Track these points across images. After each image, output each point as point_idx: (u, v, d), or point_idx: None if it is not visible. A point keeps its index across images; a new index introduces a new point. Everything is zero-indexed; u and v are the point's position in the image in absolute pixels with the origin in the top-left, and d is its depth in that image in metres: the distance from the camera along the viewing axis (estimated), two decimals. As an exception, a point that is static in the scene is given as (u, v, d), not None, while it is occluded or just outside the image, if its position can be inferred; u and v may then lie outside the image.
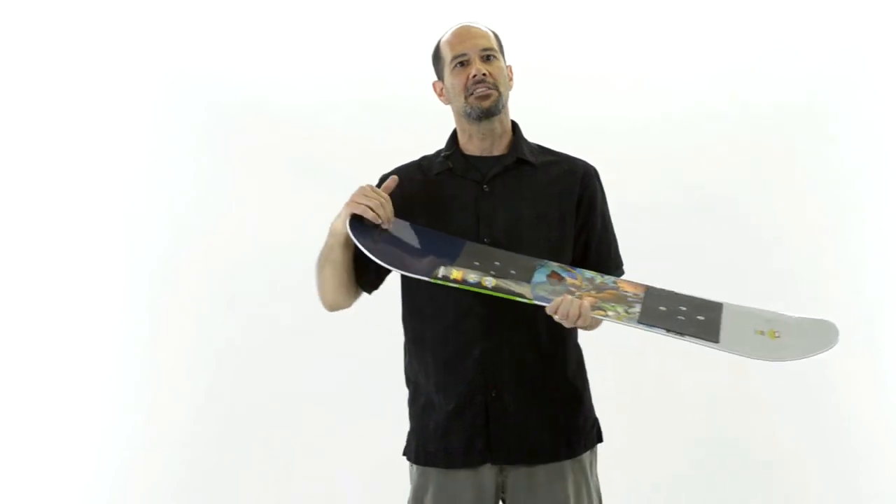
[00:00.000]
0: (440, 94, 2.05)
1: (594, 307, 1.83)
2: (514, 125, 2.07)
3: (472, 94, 1.95)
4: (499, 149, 2.03)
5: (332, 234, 1.98)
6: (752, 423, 3.41)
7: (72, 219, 3.46)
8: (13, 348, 3.43)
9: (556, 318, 1.81)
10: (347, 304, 2.09)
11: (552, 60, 3.37)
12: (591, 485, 2.05)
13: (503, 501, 2.01)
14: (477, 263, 1.91)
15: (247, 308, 3.45)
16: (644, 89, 3.46)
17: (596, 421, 2.09)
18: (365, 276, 2.04)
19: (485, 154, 2.03)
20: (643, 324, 1.82)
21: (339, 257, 1.98)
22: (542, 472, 1.97)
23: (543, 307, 1.84)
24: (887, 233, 3.42)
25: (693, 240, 3.44)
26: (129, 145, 3.49)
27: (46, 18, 3.44)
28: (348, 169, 3.31)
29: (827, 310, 3.34)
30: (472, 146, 2.04)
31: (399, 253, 1.95)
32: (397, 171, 2.06)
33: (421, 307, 2.01)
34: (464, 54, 1.96)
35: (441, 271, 1.89)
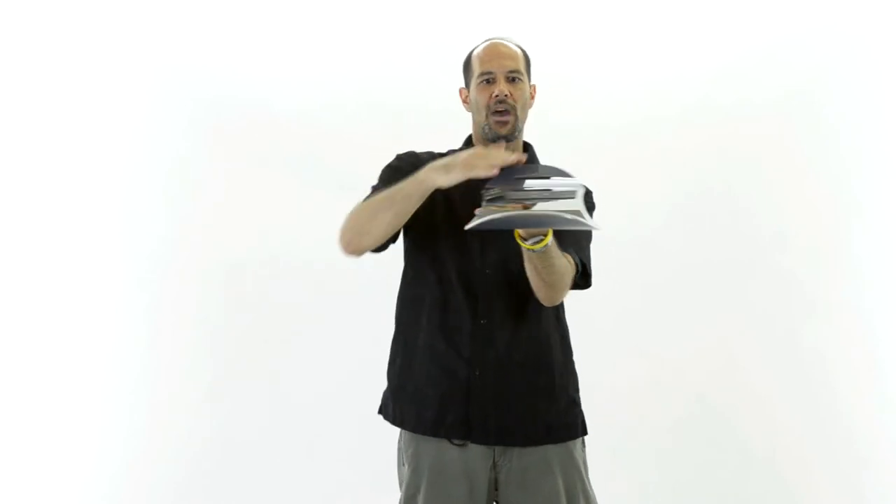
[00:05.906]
0: (464, 101, 2.10)
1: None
2: (528, 145, 2.11)
3: (493, 111, 2.00)
4: None
5: (423, 180, 1.87)
6: (752, 422, 3.41)
7: (71, 219, 3.46)
8: (12, 349, 3.42)
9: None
10: (372, 244, 1.96)
11: (551, 60, 3.36)
12: (587, 484, 2.05)
13: (497, 498, 2.03)
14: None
15: (246, 307, 3.45)
16: (643, 88, 3.46)
17: (581, 412, 2.08)
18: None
19: None
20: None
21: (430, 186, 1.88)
22: (533, 467, 1.99)
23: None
24: (887, 233, 3.42)
25: (693, 239, 3.44)
26: (129, 145, 3.49)
27: (49, 22, 3.45)
28: (348, 169, 3.35)
29: (827, 310, 3.42)
30: None
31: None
32: (428, 155, 2.06)
33: (423, 271, 2.05)
34: (490, 72, 2.02)
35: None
